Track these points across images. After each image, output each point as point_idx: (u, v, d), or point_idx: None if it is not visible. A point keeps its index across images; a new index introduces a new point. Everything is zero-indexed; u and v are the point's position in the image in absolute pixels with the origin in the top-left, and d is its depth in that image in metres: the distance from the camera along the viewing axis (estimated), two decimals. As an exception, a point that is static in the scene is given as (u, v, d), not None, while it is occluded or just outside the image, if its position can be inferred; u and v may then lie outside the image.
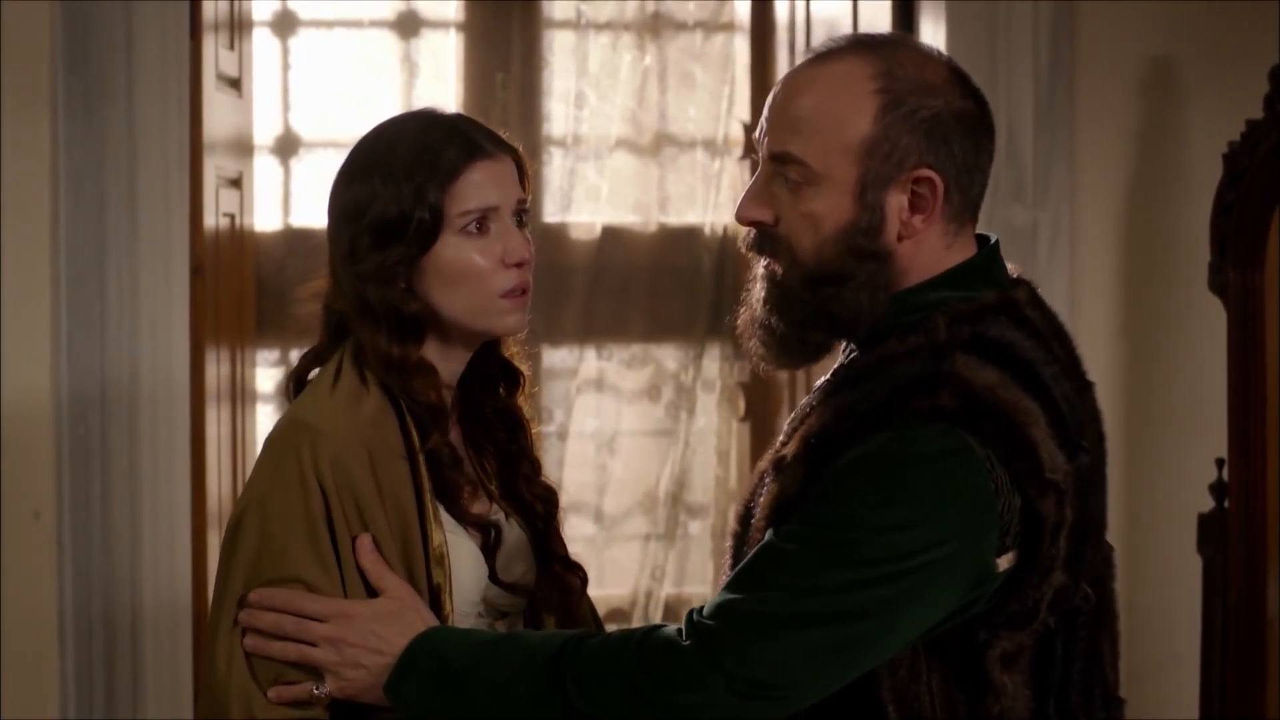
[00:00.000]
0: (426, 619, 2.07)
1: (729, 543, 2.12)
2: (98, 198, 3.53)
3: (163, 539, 3.57)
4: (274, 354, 4.50)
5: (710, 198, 4.80)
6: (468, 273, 2.16)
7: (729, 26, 4.82)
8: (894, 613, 1.90)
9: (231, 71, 3.95)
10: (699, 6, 4.81)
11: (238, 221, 4.02)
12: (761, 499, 2.03)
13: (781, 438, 2.07)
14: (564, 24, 4.75)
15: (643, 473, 4.83)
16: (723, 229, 4.74)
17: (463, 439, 2.26)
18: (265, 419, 4.28)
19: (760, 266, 2.07)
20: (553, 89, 4.73)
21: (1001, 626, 1.95)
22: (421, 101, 4.57)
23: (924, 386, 1.93)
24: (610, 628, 2.24)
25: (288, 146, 4.60)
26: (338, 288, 2.19)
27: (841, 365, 2.08)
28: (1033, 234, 3.82)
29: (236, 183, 4.02)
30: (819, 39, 4.02)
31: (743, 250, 2.09)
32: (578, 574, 2.33)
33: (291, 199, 4.60)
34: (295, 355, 4.43)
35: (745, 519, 2.08)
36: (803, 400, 2.13)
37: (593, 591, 2.41)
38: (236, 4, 3.95)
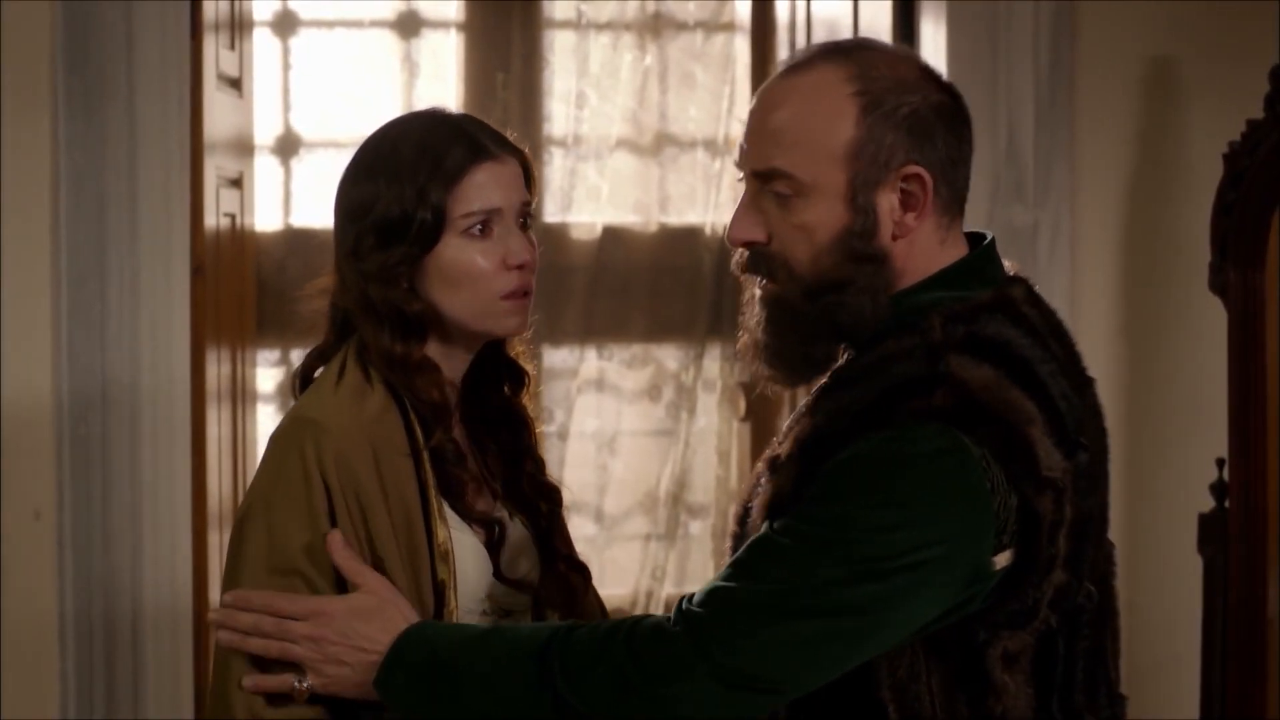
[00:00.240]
0: (406, 614, 2.07)
1: (728, 544, 2.12)
2: (98, 198, 3.53)
3: (163, 539, 3.57)
4: (274, 354, 4.50)
5: (711, 198, 4.80)
6: (469, 274, 2.16)
7: (729, 26, 4.82)
8: (885, 609, 1.90)
9: (232, 71, 3.95)
10: (699, 7, 4.81)
11: (238, 221, 4.02)
12: (758, 499, 2.03)
13: (778, 438, 2.08)
14: (564, 24, 4.76)
15: (643, 473, 4.83)
16: (723, 229, 4.73)
17: (466, 437, 2.26)
18: (266, 419, 4.29)
19: (755, 288, 2.07)
20: (553, 89, 4.73)
21: (1002, 626, 1.95)
22: (422, 101, 4.57)
23: (919, 387, 1.93)
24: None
25: (288, 146, 4.60)
26: (342, 285, 2.20)
27: (838, 366, 2.08)
28: (1033, 234, 3.82)
29: (237, 183, 4.02)
30: (819, 39, 4.03)
31: (735, 273, 2.09)
32: (581, 573, 2.33)
33: (292, 199, 4.60)
34: (296, 355, 4.45)
35: (743, 519, 2.08)
36: (802, 401, 2.13)
37: (592, 592, 2.42)
38: (237, 4, 3.95)
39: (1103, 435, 2.09)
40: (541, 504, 2.30)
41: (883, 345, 2.00)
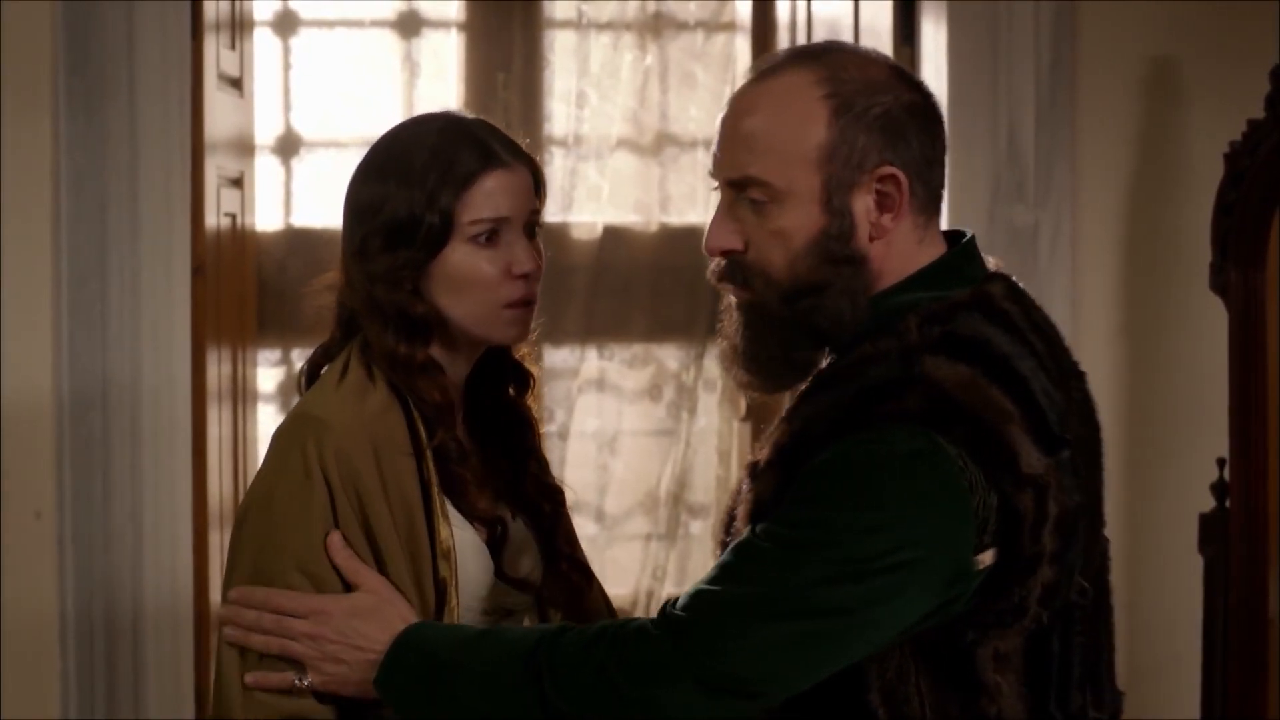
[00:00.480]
0: (405, 614, 2.08)
1: (715, 550, 2.12)
2: (99, 198, 3.53)
3: (164, 539, 3.57)
4: (275, 354, 4.50)
5: (712, 198, 4.78)
6: (473, 281, 2.16)
7: (730, 26, 4.82)
8: (865, 610, 1.90)
9: (233, 71, 3.95)
10: (700, 6, 4.81)
11: (239, 221, 4.03)
12: (741, 507, 2.04)
13: (760, 443, 2.08)
14: (565, 24, 4.76)
15: (644, 472, 4.83)
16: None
17: (469, 436, 2.26)
18: (266, 419, 4.29)
19: (731, 297, 2.07)
20: (554, 89, 4.73)
21: (990, 625, 1.94)
22: (423, 101, 4.58)
23: (893, 389, 1.93)
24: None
25: (289, 146, 4.60)
26: (348, 283, 2.20)
27: (818, 371, 2.08)
28: (1034, 234, 3.81)
29: (238, 182, 4.02)
30: (820, 39, 4.03)
31: (711, 283, 2.09)
32: (583, 573, 2.33)
33: (293, 199, 4.60)
34: (296, 355, 4.45)
35: (728, 526, 2.09)
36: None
37: (594, 592, 2.42)
38: (238, 4, 3.95)
39: (1095, 430, 2.08)
40: (544, 504, 2.30)
41: (860, 348, 1.99)
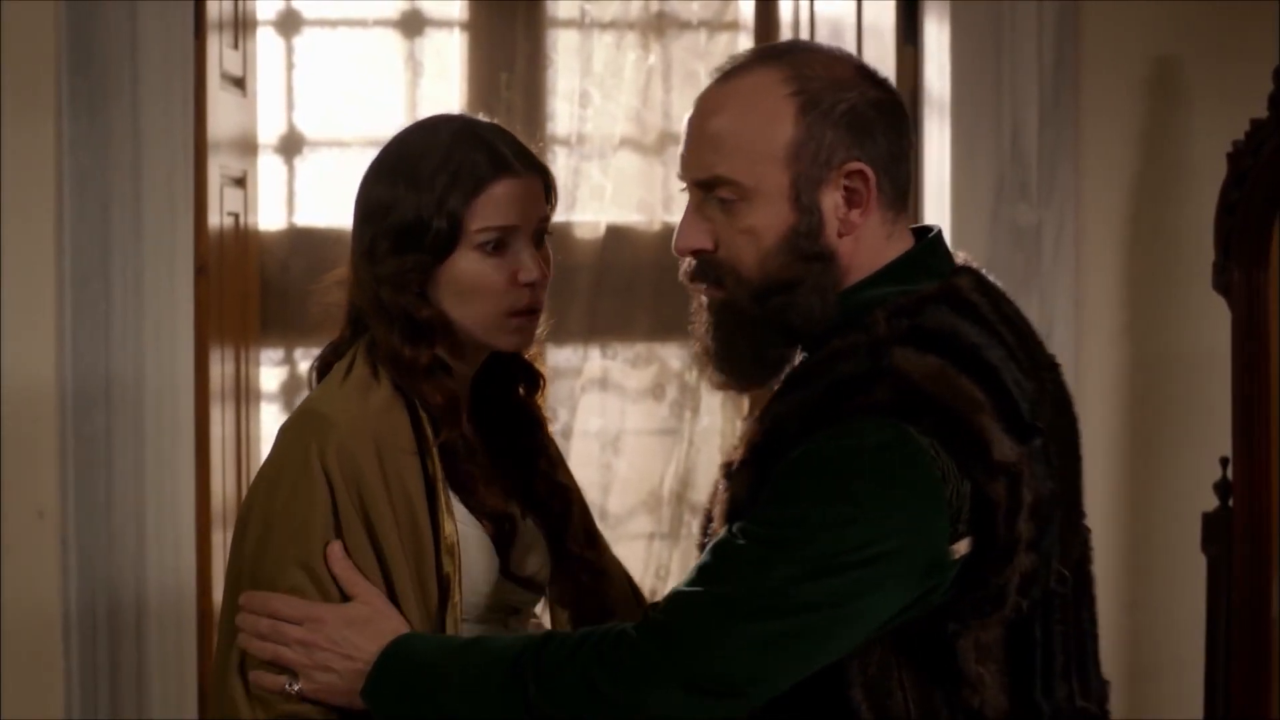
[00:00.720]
0: (398, 625, 2.09)
1: (696, 552, 2.13)
2: (102, 197, 3.53)
3: (167, 538, 3.57)
4: (278, 353, 4.50)
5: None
6: (479, 288, 2.16)
7: (733, 26, 4.82)
8: (845, 604, 1.90)
9: (236, 71, 3.95)
10: (703, 6, 4.81)
11: (242, 221, 4.03)
12: (718, 507, 2.04)
13: (734, 443, 2.08)
14: (568, 23, 4.75)
15: (647, 472, 4.83)
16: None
17: (477, 434, 2.26)
18: (269, 418, 4.29)
19: (702, 297, 2.08)
20: (557, 88, 4.73)
21: (970, 615, 1.95)
22: (426, 100, 4.58)
23: (861, 383, 1.93)
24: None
25: (292, 146, 4.60)
26: (356, 283, 2.21)
27: (791, 369, 2.08)
28: (1037, 233, 3.81)
29: (241, 182, 4.02)
30: (823, 39, 4.03)
31: (682, 282, 2.10)
32: (592, 573, 2.33)
33: (296, 198, 4.59)
34: (299, 354, 4.45)
35: (706, 528, 2.10)
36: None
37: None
38: (241, 3, 3.95)
39: (1071, 420, 2.08)
40: (554, 503, 2.30)
41: (830, 344, 2.00)
